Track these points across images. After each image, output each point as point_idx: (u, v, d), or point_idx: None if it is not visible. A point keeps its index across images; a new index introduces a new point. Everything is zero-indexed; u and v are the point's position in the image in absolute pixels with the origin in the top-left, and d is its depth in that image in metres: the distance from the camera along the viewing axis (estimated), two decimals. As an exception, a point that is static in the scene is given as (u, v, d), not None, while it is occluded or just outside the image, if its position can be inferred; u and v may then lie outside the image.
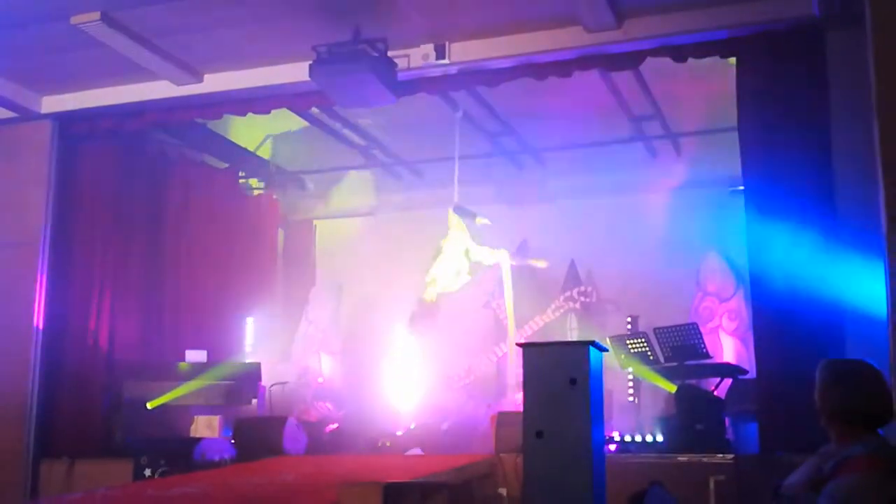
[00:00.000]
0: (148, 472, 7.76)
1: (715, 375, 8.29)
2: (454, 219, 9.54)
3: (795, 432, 6.41)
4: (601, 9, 7.17)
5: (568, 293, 10.12)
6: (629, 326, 9.98)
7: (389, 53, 7.52)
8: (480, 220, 9.67)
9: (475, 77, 8.19)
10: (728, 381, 8.19)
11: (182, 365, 9.21)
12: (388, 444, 9.08)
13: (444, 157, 9.85)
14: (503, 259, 9.79)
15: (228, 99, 8.75)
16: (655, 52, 7.62)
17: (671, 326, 8.33)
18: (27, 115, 9.07)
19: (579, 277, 10.53)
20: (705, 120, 9.67)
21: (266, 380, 9.61)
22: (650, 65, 7.93)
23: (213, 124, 10.11)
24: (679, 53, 7.59)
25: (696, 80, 8.87)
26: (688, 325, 8.39)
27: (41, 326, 8.77)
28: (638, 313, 9.96)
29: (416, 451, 8.72)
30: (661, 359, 8.38)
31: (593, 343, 5.49)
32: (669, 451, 7.37)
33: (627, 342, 8.63)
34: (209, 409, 9.22)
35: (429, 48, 7.86)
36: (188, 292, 9.98)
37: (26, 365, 8.64)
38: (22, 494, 8.37)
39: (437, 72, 8.06)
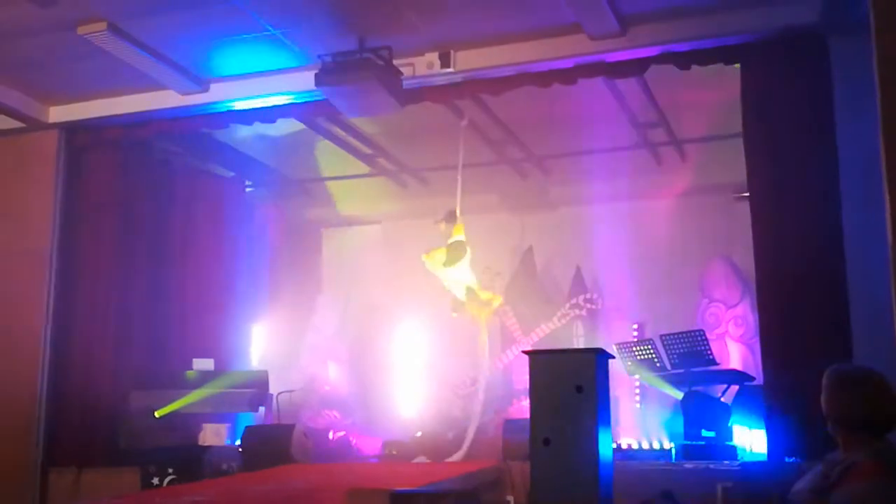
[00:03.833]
0: (156, 480, 7.78)
1: (722, 382, 8.28)
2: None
3: (802, 439, 6.41)
4: (605, 17, 7.19)
5: (574, 300, 10.12)
6: (635, 333, 9.98)
7: (394, 62, 7.54)
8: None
9: (480, 85, 8.21)
10: (735, 388, 8.19)
11: (189, 373, 9.23)
12: (394, 451, 9.09)
13: (449, 164, 9.86)
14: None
15: (234, 108, 8.79)
16: (659, 60, 7.63)
17: (677, 333, 8.34)
18: (34, 125, 9.12)
19: (585, 285, 10.53)
20: (710, 126, 9.67)
21: (273, 388, 9.63)
22: (654, 72, 7.95)
23: (219, 133, 10.14)
24: (683, 60, 7.60)
25: (701, 87, 8.88)
26: (694, 331, 8.40)
27: (49, 335, 8.79)
28: (644, 320, 9.96)
29: (423, 458, 8.74)
30: (668, 365, 8.39)
31: (600, 350, 5.50)
32: (676, 459, 7.38)
33: (634, 349, 8.64)
34: (217, 417, 9.25)
35: (433, 57, 7.89)
36: (195, 301, 9.99)
37: (34, 374, 8.66)
38: (30, 503, 8.40)
39: (441, 80, 8.08)
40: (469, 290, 9.20)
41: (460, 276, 9.18)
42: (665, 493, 4.98)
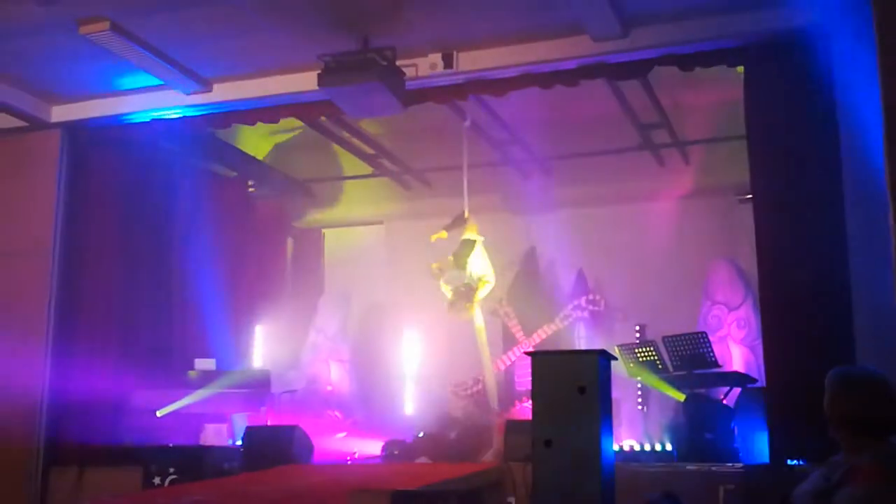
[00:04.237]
0: (157, 480, 7.77)
1: (724, 384, 8.27)
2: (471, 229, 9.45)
3: (805, 441, 6.39)
4: (608, 18, 7.18)
5: (576, 302, 10.12)
6: (637, 335, 9.97)
7: (397, 63, 7.53)
8: (436, 237, 9.56)
9: (483, 86, 8.21)
10: (737, 390, 8.17)
11: (191, 373, 9.23)
12: (396, 452, 9.09)
13: (451, 165, 9.87)
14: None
15: (237, 108, 8.79)
16: (662, 61, 7.63)
17: (680, 335, 8.33)
18: (37, 125, 9.11)
19: (587, 286, 10.53)
20: (713, 128, 9.67)
21: (275, 388, 9.62)
22: (657, 73, 7.95)
23: (221, 133, 10.14)
24: (686, 62, 7.60)
25: (704, 89, 8.88)
26: (696, 333, 8.39)
27: (51, 334, 8.79)
28: (646, 322, 9.96)
29: (424, 459, 8.73)
30: (670, 367, 8.38)
31: (602, 352, 5.49)
32: (679, 461, 7.37)
33: (636, 351, 8.63)
34: (218, 417, 9.25)
35: (436, 57, 7.89)
36: (197, 300, 9.99)
37: (36, 373, 8.66)
38: (31, 502, 8.39)
39: (444, 81, 8.08)
40: (456, 290, 9.14)
41: (477, 269, 9.13)
42: (667, 493, 4.97)
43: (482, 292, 9.15)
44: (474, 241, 9.15)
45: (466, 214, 9.28)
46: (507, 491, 6.74)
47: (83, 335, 8.94)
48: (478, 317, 9.16)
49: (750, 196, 7.66)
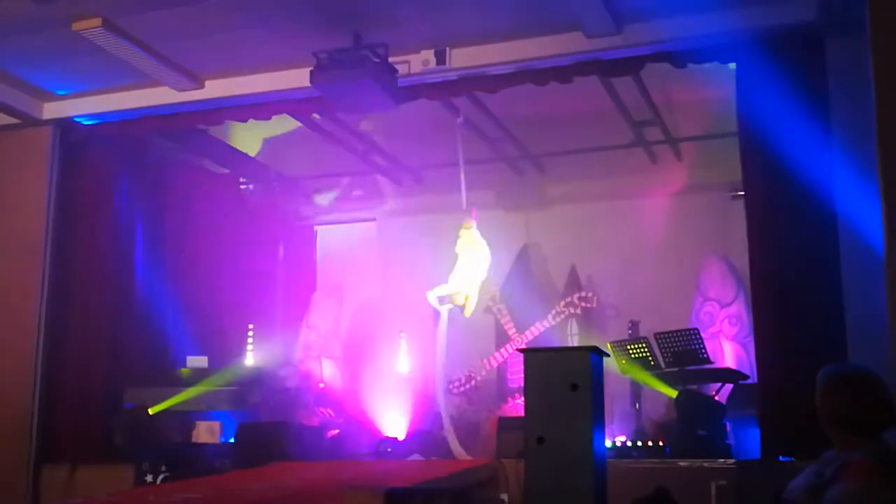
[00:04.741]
0: (149, 477, 7.76)
1: (716, 381, 8.29)
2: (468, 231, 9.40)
3: (797, 437, 6.42)
4: (601, 14, 7.18)
5: (568, 299, 10.13)
6: (630, 332, 9.97)
7: (390, 59, 7.53)
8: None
9: (476, 83, 8.20)
10: (729, 387, 8.19)
11: (183, 370, 9.21)
12: (389, 449, 9.08)
13: (444, 162, 9.86)
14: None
15: (229, 105, 8.76)
16: (655, 58, 7.64)
17: (672, 332, 8.34)
18: (28, 122, 9.09)
19: (580, 283, 10.53)
20: (706, 125, 9.68)
21: (267, 385, 9.60)
22: (650, 70, 7.95)
23: (214, 130, 10.12)
24: (679, 59, 7.61)
25: (697, 86, 8.88)
26: (688, 330, 8.40)
27: (42, 331, 8.77)
28: (639, 318, 9.95)
29: (417, 456, 8.73)
30: (662, 364, 8.39)
31: (594, 348, 5.50)
32: (671, 457, 7.38)
33: (628, 347, 8.64)
34: (210, 415, 9.24)
35: (429, 54, 7.88)
36: (189, 298, 9.98)
37: (28, 369, 8.65)
38: (23, 500, 8.38)
39: (437, 78, 8.07)
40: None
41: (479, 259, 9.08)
42: (659, 489, 4.98)
43: (464, 283, 9.05)
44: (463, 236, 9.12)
45: (465, 206, 9.25)
46: (500, 488, 6.75)
47: (75, 332, 8.92)
48: (439, 302, 9.00)
49: (742, 193, 7.66)
